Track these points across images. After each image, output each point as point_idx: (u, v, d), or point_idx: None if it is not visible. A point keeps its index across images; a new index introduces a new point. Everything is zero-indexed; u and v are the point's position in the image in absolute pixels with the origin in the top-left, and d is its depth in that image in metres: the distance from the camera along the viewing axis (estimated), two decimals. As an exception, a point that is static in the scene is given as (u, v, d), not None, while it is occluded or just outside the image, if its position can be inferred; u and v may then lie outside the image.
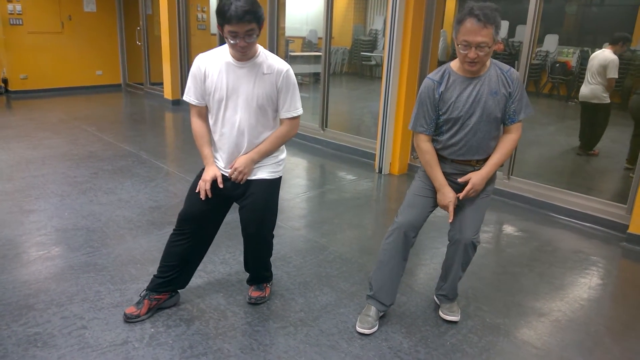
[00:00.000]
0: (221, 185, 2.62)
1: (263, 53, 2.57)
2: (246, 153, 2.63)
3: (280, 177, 2.79)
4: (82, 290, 3.03)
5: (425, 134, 2.60)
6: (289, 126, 2.67)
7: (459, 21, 2.34)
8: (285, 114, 2.64)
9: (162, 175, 5.29)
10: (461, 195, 2.59)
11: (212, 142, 2.70)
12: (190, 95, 2.61)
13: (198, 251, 2.85)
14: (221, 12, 2.32)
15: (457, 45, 2.37)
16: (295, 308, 2.97)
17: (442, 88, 2.49)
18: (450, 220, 2.65)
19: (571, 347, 2.73)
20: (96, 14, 10.20)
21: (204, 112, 2.66)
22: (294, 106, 2.64)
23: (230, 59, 2.52)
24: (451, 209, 2.61)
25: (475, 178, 2.56)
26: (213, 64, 2.53)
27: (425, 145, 2.61)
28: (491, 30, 2.30)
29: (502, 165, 2.70)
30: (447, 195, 2.59)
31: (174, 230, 2.76)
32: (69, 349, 2.51)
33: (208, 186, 2.60)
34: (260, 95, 2.54)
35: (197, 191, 2.64)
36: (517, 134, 2.58)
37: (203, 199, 2.61)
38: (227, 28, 2.34)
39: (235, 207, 2.82)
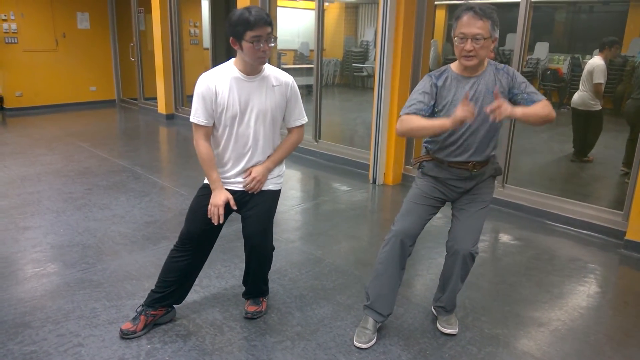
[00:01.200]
0: (235, 207, 2.63)
1: (267, 67, 2.63)
2: (257, 162, 2.66)
3: (281, 189, 2.83)
4: (78, 307, 3.00)
5: (418, 114, 2.44)
6: (299, 134, 2.78)
7: (457, 17, 2.39)
8: (295, 122, 2.74)
9: (157, 189, 5.27)
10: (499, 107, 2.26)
11: (217, 158, 2.69)
12: (199, 117, 2.55)
13: (197, 266, 2.84)
14: (242, 20, 2.37)
15: (455, 39, 2.39)
16: (292, 322, 2.95)
17: (439, 83, 2.50)
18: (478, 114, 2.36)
19: (571, 357, 2.71)
20: (90, 30, 10.23)
21: (210, 133, 2.63)
22: (302, 114, 2.75)
23: (238, 74, 2.54)
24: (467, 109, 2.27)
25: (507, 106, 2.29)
26: (222, 82, 2.53)
27: (412, 116, 2.45)
28: (487, 24, 2.33)
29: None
30: (454, 116, 2.28)
31: (175, 246, 2.75)
32: (64, 367, 2.48)
33: (221, 211, 2.59)
34: (273, 107, 2.60)
35: (208, 216, 2.61)
36: (546, 103, 2.42)
37: (216, 224, 2.61)
38: (249, 34, 2.37)
39: (230, 220, 2.81)
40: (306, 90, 10.37)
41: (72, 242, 3.90)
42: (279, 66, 9.50)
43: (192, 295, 3.11)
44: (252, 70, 2.54)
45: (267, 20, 2.40)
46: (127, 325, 2.73)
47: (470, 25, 2.33)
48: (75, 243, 3.89)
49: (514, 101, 2.49)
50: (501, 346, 2.78)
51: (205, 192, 2.70)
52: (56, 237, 3.98)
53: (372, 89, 5.74)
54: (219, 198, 2.59)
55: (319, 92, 6.80)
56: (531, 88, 2.51)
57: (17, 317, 2.89)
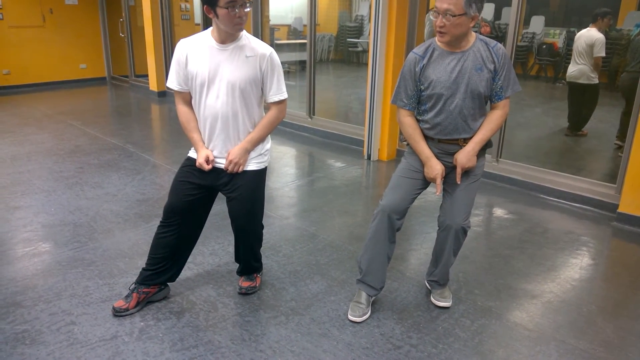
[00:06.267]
0: (209, 166, 2.57)
1: (246, 36, 2.54)
2: (232, 140, 2.59)
3: (266, 168, 2.75)
4: (70, 286, 2.99)
5: (405, 109, 2.57)
6: (278, 110, 2.65)
7: None
8: (273, 97, 2.61)
9: (149, 167, 5.23)
10: (457, 180, 2.55)
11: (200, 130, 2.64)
12: (172, 82, 2.58)
13: (186, 243, 2.81)
14: None
15: (432, 13, 2.36)
16: (286, 297, 2.95)
17: (424, 61, 2.45)
18: (437, 193, 2.60)
19: (564, 328, 2.73)
20: (78, 6, 10.03)
21: (188, 99, 2.62)
22: (281, 89, 2.61)
23: (212, 42, 2.49)
24: (439, 181, 2.56)
25: (460, 157, 2.53)
26: (195, 48, 2.50)
27: (406, 119, 2.58)
28: (461, 0, 2.26)
29: (490, 146, 2.67)
30: (434, 167, 2.55)
31: (160, 222, 2.73)
32: (58, 345, 2.48)
33: (207, 167, 2.57)
34: (243, 79, 2.49)
35: (181, 180, 2.64)
36: (504, 110, 2.56)
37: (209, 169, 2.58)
38: (223, 0, 2.30)
39: (223, 198, 2.78)
40: (300, 66, 10.26)
41: (63, 221, 3.87)
42: (272, 42, 9.40)
43: (185, 272, 3.10)
44: (226, 38, 2.47)
45: None
46: (120, 303, 2.72)
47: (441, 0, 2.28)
48: (67, 222, 3.86)
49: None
50: (494, 318, 2.80)
51: (188, 164, 2.67)
52: (47, 217, 3.95)
53: (367, 64, 5.67)
54: (199, 156, 2.58)
55: (313, 68, 6.72)
56: (508, 79, 2.49)
57: (8, 296, 2.87)
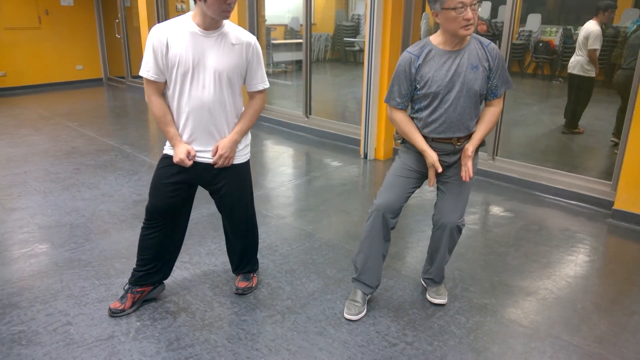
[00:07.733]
0: (190, 162, 2.51)
1: (228, 24, 2.48)
2: (219, 132, 2.53)
3: (249, 159, 2.75)
4: (67, 287, 2.99)
5: (398, 108, 2.57)
6: (261, 99, 2.64)
7: None
8: (257, 86, 2.59)
9: (146, 168, 5.23)
10: (470, 173, 2.53)
11: (177, 124, 2.52)
12: (148, 71, 2.41)
13: (173, 240, 2.78)
14: None
15: (451, 10, 2.27)
16: (282, 296, 2.95)
17: (419, 61, 2.45)
18: (430, 185, 2.62)
19: (558, 325, 2.74)
20: (74, 7, 10.03)
21: (161, 89, 2.49)
22: (264, 78, 2.60)
23: (195, 28, 2.37)
24: (431, 173, 2.59)
25: (468, 145, 2.54)
26: (176, 34, 2.36)
27: (399, 115, 2.58)
28: None
29: (484, 145, 2.68)
30: (432, 155, 2.53)
31: (144, 223, 2.69)
32: (54, 345, 2.48)
33: (187, 162, 2.49)
34: (229, 67, 2.43)
35: (162, 182, 2.58)
36: (499, 107, 2.59)
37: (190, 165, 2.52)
38: None
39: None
40: (296, 65, 10.26)
41: (60, 222, 3.87)
42: (268, 42, 9.39)
43: (182, 272, 3.11)
44: (211, 25, 2.37)
45: None
46: (115, 305, 2.73)
47: None
48: (64, 223, 3.86)
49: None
50: (489, 315, 2.81)
51: (165, 164, 2.59)
52: (44, 218, 3.95)
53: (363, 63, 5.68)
54: (179, 152, 2.48)
55: (309, 68, 6.72)
56: (502, 77, 2.51)
57: (4, 298, 2.88)
